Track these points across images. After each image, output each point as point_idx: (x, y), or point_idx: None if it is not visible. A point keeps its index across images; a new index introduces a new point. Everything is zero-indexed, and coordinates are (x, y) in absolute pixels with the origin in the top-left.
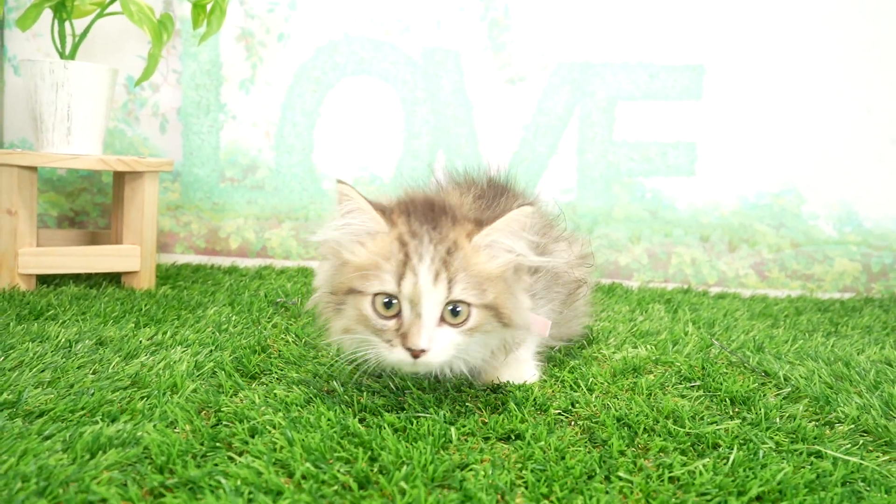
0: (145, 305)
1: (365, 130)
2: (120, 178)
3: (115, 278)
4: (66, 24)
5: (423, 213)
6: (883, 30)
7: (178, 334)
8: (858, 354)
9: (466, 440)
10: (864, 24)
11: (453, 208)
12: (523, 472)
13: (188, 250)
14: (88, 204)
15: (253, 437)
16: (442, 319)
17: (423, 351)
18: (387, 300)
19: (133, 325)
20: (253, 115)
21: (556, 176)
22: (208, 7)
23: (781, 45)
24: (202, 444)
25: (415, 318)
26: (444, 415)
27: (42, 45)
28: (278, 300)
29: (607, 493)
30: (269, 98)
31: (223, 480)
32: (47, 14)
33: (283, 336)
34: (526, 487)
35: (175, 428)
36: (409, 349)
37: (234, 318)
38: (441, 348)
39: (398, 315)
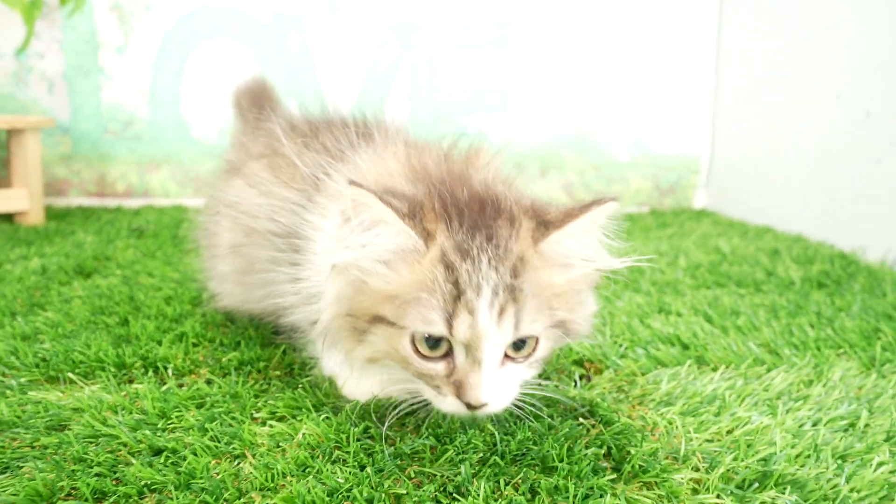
0: (26, 235)
1: (225, 85)
2: (9, 134)
3: (8, 218)
4: None
5: (470, 214)
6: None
7: (41, 251)
8: None
9: None
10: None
11: (506, 199)
12: None
13: (81, 194)
14: None
15: (60, 302)
16: (505, 356)
17: (483, 405)
18: (432, 339)
19: (10, 247)
20: (128, 76)
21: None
22: None
23: (577, 4)
24: (22, 307)
25: (472, 364)
26: None
27: None
28: (135, 226)
29: None
30: (141, 61)
31: (22, 319)
32: None
33: (126, 250)
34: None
35: (5, 298)
36: (466, 403)
37: (90, 240)
38: (504, 394)
39: (448, 356)
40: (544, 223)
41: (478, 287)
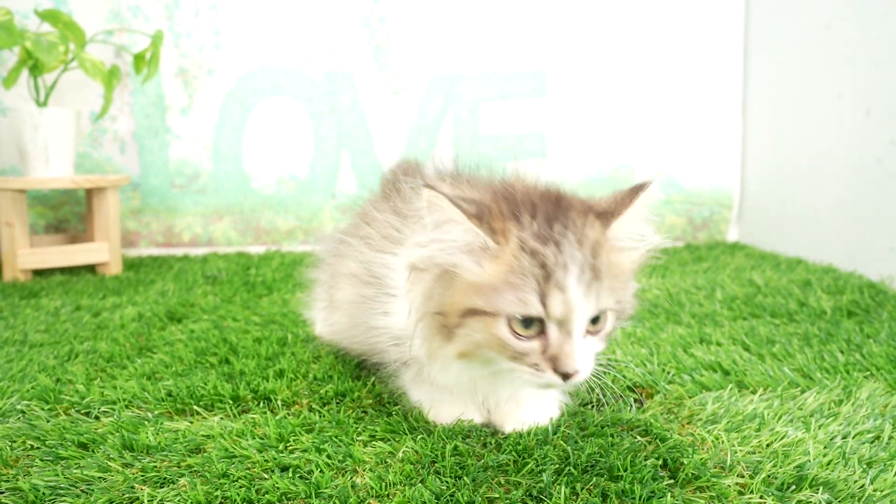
0: (111, 284)
1: (282, 139)
2: (89, 192)
3: (91, 269)
4: (39, 79)
5: (544, 209)
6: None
7: (132, 300)
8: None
9: None
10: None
11: (574, 198)
12: None
13: (150, 245)
14: (69, 213)
15: (164, 345)
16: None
17: (576, 373)
18: (527, 320)
19: (101, 296)
20: (193, 134)
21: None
22: (147, 56)
23: (608, 52)
24: (133, 351)
25: (564, 337)
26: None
27: (22, 92)
28: (208, 274)
29: None
30: (204, 120)
31: (139, 360)
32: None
33: (206, 296)
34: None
35: (118, 343)
36: (563, 375)
37: (172, 288)
38: (589, 364)
39: (541, 334)
40: (605, 213)
41: (565, 266)
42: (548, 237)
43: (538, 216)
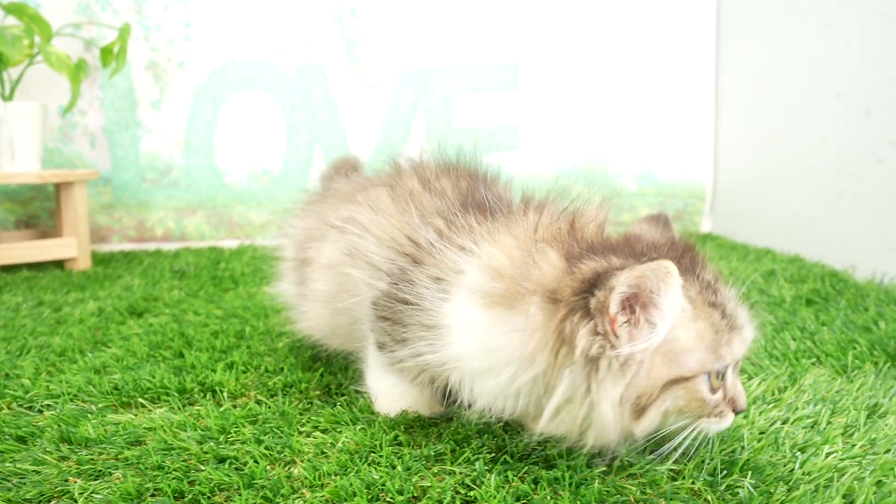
0: (77, 280)
1: (254, 133)
2: (58, 187)
3: (59, 264)
4: (4, 72)
5: (685, 258)
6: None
7: (95, 295)
8: None
9: None
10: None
11: (670, 240)
12: None
13: (122, 240)
14: (39, 209)
15: (120, 340)
16: None
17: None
18: (721, 372)
19: (65, 292)
20: (164, 129)
21: None
22: (115, 50)
23: (581, 45)
24: (87, 345)
25: (735, 377)
26: None
27: None
28: (177, 268)
29: None
30: (175, 114)
31: (91, 354)
32: None
33: (171, 291)
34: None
35: (73, 338)
36: (740, 412)
37: (138, 282)
38: None
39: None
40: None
41: (736, 310)
42: (708, 285)
43: (688, 266)
